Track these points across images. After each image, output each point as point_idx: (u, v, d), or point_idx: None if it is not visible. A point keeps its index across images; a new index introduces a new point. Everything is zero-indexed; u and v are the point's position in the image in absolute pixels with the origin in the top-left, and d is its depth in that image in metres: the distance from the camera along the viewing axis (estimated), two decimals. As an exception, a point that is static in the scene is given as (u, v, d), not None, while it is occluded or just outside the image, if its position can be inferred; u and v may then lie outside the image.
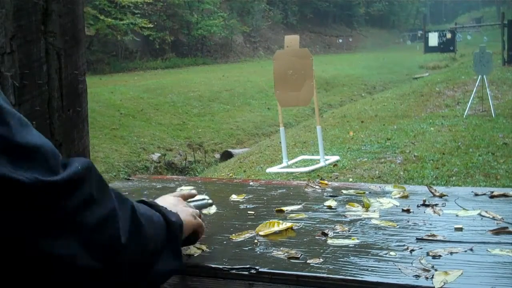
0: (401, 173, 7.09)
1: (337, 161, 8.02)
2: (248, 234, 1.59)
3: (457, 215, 1.71)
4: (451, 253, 1.37)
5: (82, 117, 2.23)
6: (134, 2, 28.78)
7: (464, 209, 1.77)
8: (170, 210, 1.28)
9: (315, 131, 8.41)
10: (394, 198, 1.94)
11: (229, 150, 12.36)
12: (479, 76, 11.51)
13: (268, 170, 8.03)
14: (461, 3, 79.02)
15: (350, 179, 6.89)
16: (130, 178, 2.52)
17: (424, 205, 1.83)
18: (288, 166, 8.05)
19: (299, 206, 1.88)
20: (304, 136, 11.04)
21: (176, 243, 1.25)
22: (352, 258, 1.36)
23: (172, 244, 1.22)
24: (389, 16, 66.22)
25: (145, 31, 29.51)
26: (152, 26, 29.68)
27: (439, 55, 30.80)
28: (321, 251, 1.42)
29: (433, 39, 31.05)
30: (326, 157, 8.00)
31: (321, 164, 7.78)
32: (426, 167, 7.24)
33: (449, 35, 30.94)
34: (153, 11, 32.22)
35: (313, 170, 7.60)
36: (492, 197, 1.91)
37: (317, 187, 2.15)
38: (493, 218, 1.65)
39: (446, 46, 30.68)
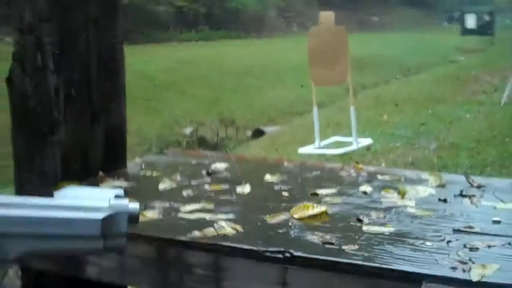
0: (435, 160, 6.98)
1: (370, 144, 7.92)
2: (282, 216, 1.58)
3: (495, 208, 1.68)
4: (489, 246, 1.35)
5: (120, 87, 2.24)
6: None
7: (502, 201, 1.74)
8: None
9: (348, 112, 8.31)
10: (431, 186, 1.91)
11: (260, 128, 12.33)
12: (517, 63, 11.28)
13: (300, 150, 7.96)
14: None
15: (383, 164, 6.82)
16: (165, 152, 2.53)
17: (461, 195, 1.80)
18: (320, 148, 7.99)
19: (334, 190, 1.86)
20: (337, 117, 10.94)
21: None
22: (387, 246, 1.35)
23: None
24: (427, -5, 65.00)
25: (178, 1, 29.49)
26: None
27: (476, 38, 30.19)
28: (356, 237, 1.41)
29: (471, 21, 30.43)
30: (359, 139, 7.89)
31: (354, 146, 7.69)
32: (461, 155, 7.12)
33: (487, 17, 30.27)
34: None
35: (345, 153, 7.52)
36: (532, 190, 1.87)
37: (352, 171, 2.13)
38: (533, 213, 1.62)
39: (484, 29, 30.05)
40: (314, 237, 1.40)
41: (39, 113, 1.99)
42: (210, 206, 1.69)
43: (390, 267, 1.24)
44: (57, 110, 2.01)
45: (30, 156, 2.02)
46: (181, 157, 2.43)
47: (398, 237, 1.42)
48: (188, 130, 11.93)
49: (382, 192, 1.84)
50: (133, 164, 2.27)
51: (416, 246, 1.35)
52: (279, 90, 16.23)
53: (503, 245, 1.36)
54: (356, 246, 1.34)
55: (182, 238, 1.42)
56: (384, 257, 1.28)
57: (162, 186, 1.92)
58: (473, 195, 1.79)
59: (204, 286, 1.41)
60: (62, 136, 2.02)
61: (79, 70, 2.07)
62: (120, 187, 1.89)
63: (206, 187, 1.91)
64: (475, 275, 1.18)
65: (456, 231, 1.46)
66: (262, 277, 1.34)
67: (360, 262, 1.26)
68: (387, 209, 1.66)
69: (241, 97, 15.04)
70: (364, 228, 1.49)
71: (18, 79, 2.00)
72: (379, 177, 2.04)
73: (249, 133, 12.60)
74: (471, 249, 1.33)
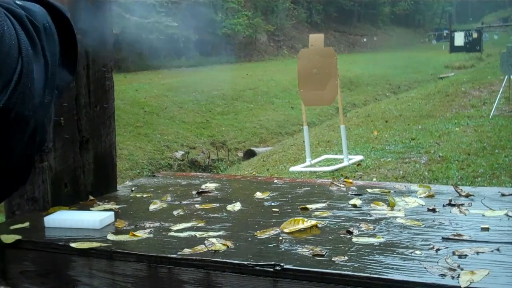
0: (426, 173, 7.01)
1: (361, 160, 7.97)
2: (272, 231, 1.59)
3: (483, 215, 1.69)
4: (478, 252, 1.36)
5: (109, 113, 2.25)
6: (159, 1, 28.95)
7: (490, 209, 1.75)
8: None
9: (339, 130, 8.36)
10: (420, 197, 1.93)
11: (252, 148, 12.36)
12: (506, 76, 11.34)
13: (292, 169, 8.01)
14: (488, 2, 77.90)
15: (374, 179, 6.84)
16: (155, 175, 2.54)
17: (450, 204, 1.82)
18: (311, 165, 8.02)
19: (324, 204, 1.88)
20: (327, 135, 11.00)
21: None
22: (377, 256, 1.36)
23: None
24: (414, 15, 65.65)
25: (169, 29, 29.65)
26: (176, 24, 29.81)
27: (465, 55, 30.45)
28: (346, 249, 1.42)
29: (459, 39, 30.69)
30: (350, 156, 7.94)
31: (345, 163, 7.74)
32: (451, 167, 7.16)
33: (475, 35, 30.55)
34: (178, 9, 32.35)
35: (336, 169, 7.56)
36: (519, 197, 1.89)
37: (341, 185, 2.14)
38: (521, 219, 1.64)
39: (472, 45, 30.29)
40: (304, 250, 1.41)
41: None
42: (201, 224, 1.70)
43: (380, 276, 1.25)
44: (47, 138, 2.01)
45: (21, 183, 2.02)
46: (171, 179, 2.44)
47: (387, 247, 1.42)
48: (179, 154, 11.92)
49: (372, 205, 1.85)
50: (124, 187, 2.28)
51: (406, 255, 1.36)
52: (270, 112, 16.30)
53: (492, 251, 1.37)
54: (346, 257, 1.35)
55: (173, 255, 1.42)
56: (374, 267, 1.29)
57: (152, 206, 1.93)
58: (462, 204, 1.81)
59: (196, 303, 1.42)
60: (51, 163, 2.03)
61: (68, 99, 2.08)
62: (111, 209, 1.90)
63: (197, 206, 1.92)
64: (463, 281, 1.19)
65: (445, 239, 1.47)
66: (253, 291, 1.35)
67: (350, 273, 1.26)
68: (377, 221, 1.67)
69: (232, 120, 15.09)
70: (354, 239, 1.49)
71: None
72: (369, 190, 2.06)
73: (240, 154, 12.63)
74: (460, 256, 1.34)
